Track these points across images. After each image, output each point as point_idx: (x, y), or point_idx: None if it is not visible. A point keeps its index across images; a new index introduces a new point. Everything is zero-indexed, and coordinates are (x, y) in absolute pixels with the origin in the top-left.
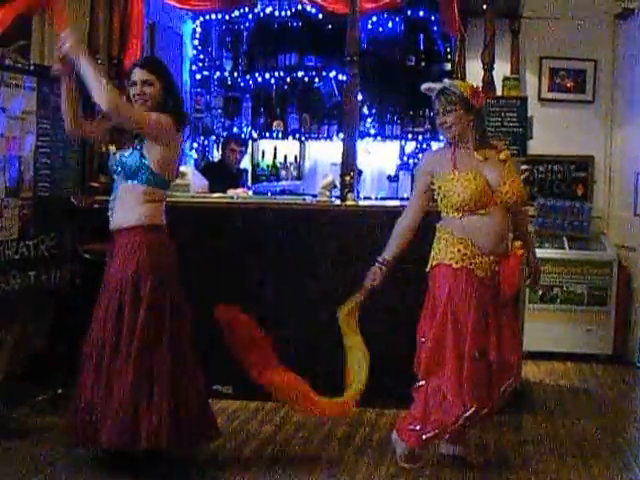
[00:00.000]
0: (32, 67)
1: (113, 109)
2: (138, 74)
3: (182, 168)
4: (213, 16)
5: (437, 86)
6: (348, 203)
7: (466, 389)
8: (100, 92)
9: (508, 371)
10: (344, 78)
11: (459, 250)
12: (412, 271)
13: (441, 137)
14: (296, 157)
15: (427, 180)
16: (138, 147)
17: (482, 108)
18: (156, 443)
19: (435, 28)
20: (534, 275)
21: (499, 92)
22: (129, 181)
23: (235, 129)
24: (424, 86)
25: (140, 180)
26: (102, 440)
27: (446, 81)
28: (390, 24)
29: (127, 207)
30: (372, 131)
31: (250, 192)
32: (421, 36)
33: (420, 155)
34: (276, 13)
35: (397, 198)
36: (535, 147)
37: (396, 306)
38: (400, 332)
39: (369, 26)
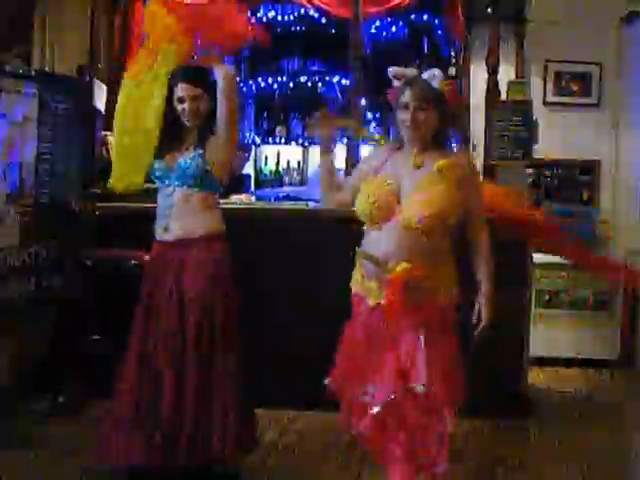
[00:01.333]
0: (33, 73)
1: (233, 112)
2: (186, 89)
3: None
4: None
5: (411, 73)
6: (352, 208)
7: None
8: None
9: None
10: (347, 83)
11: (356, 273)
12: None
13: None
14: (299, 162)
15: (366, 171)
16: (199, 152)
17: (453, 111)
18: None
19: (439, 32)
20: (478, 319)
21: (504, 96)
22: (189, 188)
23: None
24: (394, 69)
25: (202, 187)
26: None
27: (426, 72)
28: (394, 28)
29: (191, 216)
30: (376, 136)
31: (253, 198)
32: (425, 40)
33: None
34: (279, 18)
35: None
36: (540, 151)
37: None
38: None
39: (372, 30)
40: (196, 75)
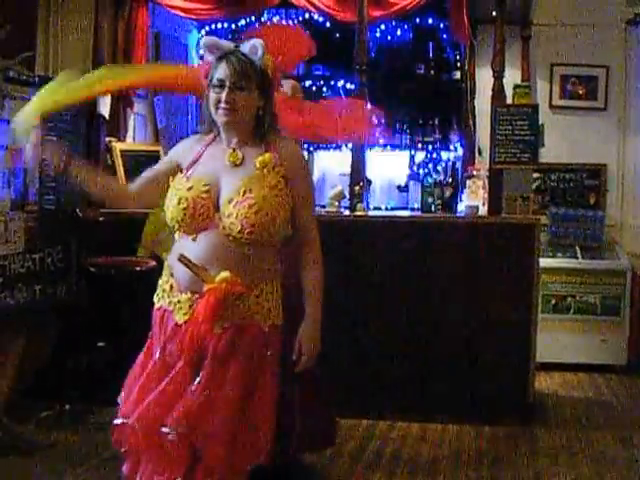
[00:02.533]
0: (37, 79)
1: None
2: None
3: None
4: (219, 25)
5: (228, 45)
6: (357, 213)
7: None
8: None
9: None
10: (352, 87)
11: (162, 284)
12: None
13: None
14: None
15: (171, 165)
16: None
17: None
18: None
19: (444, 36)
20: (299, 351)
21: (509, 100)
22: None
23: None
24: (207, 39)
25: None
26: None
27: (246, 44)
28: (399, 32)
29: None
30: (381, 141)
31: None
32: (430, 44)
33: (430, 165)
34: (283, 22)
35: (407, 208)
36: (547, 155)
37: (399, 321)
38: (408, 344)
39: (377, 34)
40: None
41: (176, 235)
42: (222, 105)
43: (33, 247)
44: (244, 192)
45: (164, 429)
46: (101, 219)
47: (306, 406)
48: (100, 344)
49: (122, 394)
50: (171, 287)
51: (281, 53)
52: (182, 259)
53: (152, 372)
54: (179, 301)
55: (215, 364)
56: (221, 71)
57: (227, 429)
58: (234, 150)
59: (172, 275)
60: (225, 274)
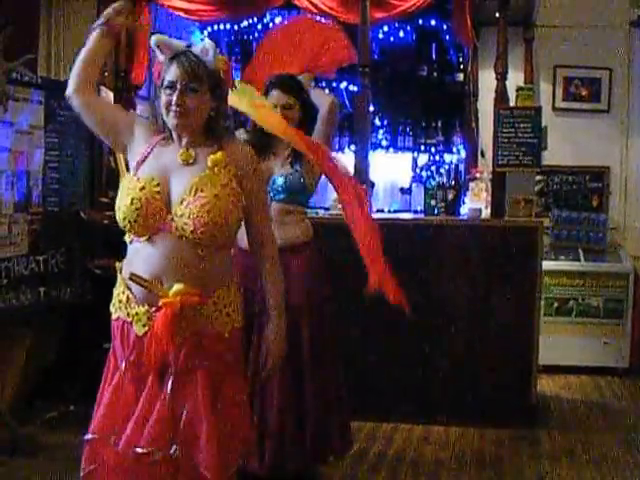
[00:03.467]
0: (40, 81)
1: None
2: (278, 97)
3: None
4: (221, 26)
5: (180, 45)
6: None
7: None
8: None
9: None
10: (355, 89)
11: (118, 294)
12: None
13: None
14: None
15: (126, 119)
16: (297, 168)
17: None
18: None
19: (447, 37)
20: (265, 357)
21: (512, 102)
22: (286, 204)
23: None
24: (158, 38)
25: (298, 202)
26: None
27: (197, 45)
28: (401, 34)
29: (288, 227)
30: (384, 143)
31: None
32: (433, 46)
33: (433, 167)
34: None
35: (410, 211)
36: (550, 158)
37: (401, 323)
38: (410, 347)
39: (380, 36)
40: (289, 84)
41: (126, 238)
42: (173, 108)
43: (37, 249)
44: (195, 191)
45: (138, 449)
46: (105, 221)
47: (324, 411)
48: (105, 345)
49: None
50: (127, 299)
51: (320, 54)
52: (133, 278)
53: (119, 385)
54: (137, 313)
55: (179, 377)
56: (172, 72)
57: (207, 435)
58: (187, 149)
59: (127, 287)
60: (179, 286)
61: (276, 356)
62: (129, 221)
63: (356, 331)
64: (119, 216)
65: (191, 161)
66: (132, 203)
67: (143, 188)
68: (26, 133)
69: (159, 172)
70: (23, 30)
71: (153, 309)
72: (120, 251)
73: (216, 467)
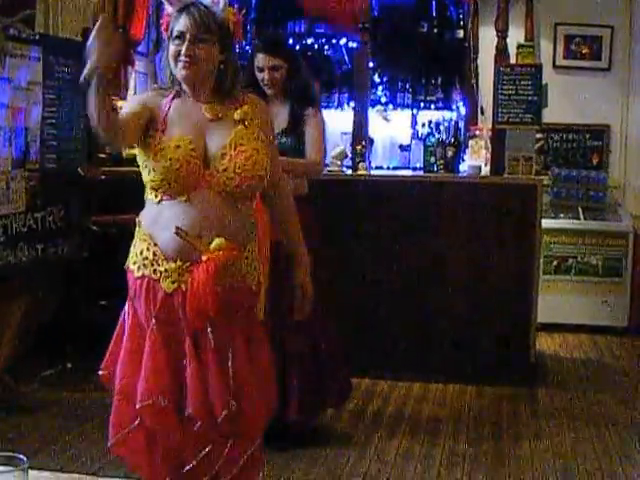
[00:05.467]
0: (37, 37)
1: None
2: (265, 59)
3: None
4: None
5: None
6: (359, 173)
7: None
8: None
9: (214, 430)
10: (355, 45)
11: (142, 252)
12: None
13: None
14: None
15: (144, 109)
16: (295, 132)
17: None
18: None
19: None
20: (301, 300)
21: (513, 59)
22: None
23: None
24: None
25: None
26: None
27: None
28: None
29: None
30: (383, 99)
31: None
32: (433, 2)
33: (432, 124)
34: None
35: (409, 168)
36: (550, 116)
37: (400, 280)
38: (409, 304)
39: None
40: (274, 45)
41: (152, 197)
42: (182, 58)
43: (35, 206)
44: (236, 145)
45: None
46: (102, 177)
47: (332, 364)
48: (102, 302)
49: (118, 369)
50: (154, 255)
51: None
52: (179, 232)
53: (153, 344)
54: (166, 270)
55: (219, 332)
56: (181, 23)
57: (261, 387)
58: (210, 104)
59: (154, 244)
60: (220, 241)
61: (310, 293)
62: (168, 182)
63: (355, 286)
64: (154, 177)
65: (220, 115)
66: (171, 164)
67: (178, 147)
68: (24, 89)
69: (190, 130)
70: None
71: (187, 264)
72: (117, 207)
73: (256, 413)
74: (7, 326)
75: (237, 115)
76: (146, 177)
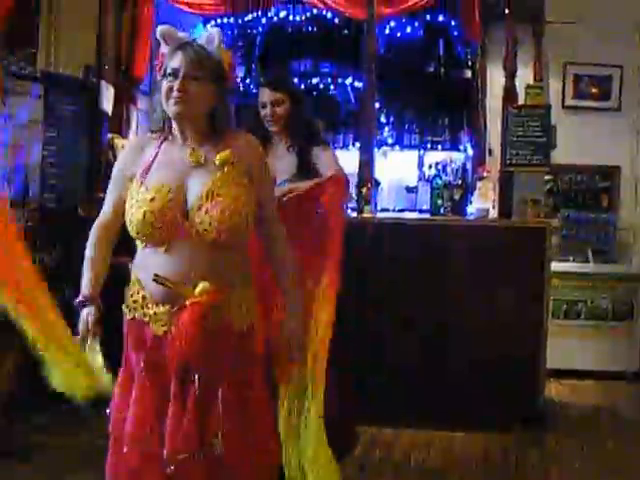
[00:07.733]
0: (39, 74)
1: None
2: (267, 94)
3: None
4: (225, 20)
5: (185, 36)
6: (365, 215)
7: None
8: None
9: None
10: (360, 85)
11: (132, 295)
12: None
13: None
14: None
15: (126, 182)
16: (307, 175)
17: (231, 88)
18: None
19: (455, 33)
20: (286, 345)
21: (521, 100)
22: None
23: None
24: (163, 29)
25: None
26: None
27: (203, 35)
28: (409, 29)
29: None
30: (390, 140)
31: None
32: (441, 42)
33: (440, 166)
34: (290, 17)
35: (416, 210)
36: (559, 156)
37: (406, 325)
38: (415, 349)
39: (387, 31)
40: (276, 80)
41: (139, 244)
42: (174, 94)
43: (34, 246)
44: (212, 196)
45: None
46: None
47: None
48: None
49: (110, 412)
50: (143, 298)
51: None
52: (157, 279)
53: (140, 389)
54: (155, 313)
55: (205, 376)
56: (176, 60)
57: (237, 435)
58: (194, 149)
59: (143, 288)
60: (204, 285)
61: (300, 344)
62: (144, 235)
63: (359, 333)
64: (131, 228)
65: (202, 161)
66: (144, 217)
67: (153, 199)
68: (25, 127)
69: (171, 177)
70: (22, 23)
71: (175, 308)
72: (118, 248)
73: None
74: (3, 367)
75: (218, 160)
76: (127, 226)
